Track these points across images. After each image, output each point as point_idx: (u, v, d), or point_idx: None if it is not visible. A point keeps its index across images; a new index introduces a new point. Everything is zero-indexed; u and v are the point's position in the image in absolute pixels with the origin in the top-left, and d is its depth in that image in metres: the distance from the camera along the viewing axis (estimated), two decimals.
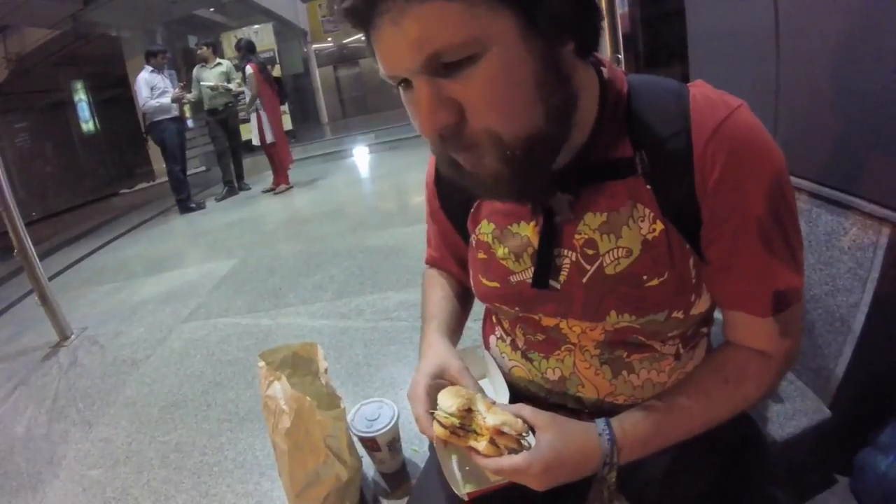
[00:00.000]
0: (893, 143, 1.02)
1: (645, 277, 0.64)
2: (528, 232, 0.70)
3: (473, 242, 0.78)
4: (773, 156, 0.60)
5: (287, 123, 10.17)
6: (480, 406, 0.65)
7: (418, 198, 5.01)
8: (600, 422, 0.64)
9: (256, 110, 5.88)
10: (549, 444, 0.61)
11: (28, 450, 1.91)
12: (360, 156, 8.38)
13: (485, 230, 0.75)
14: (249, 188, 6.66)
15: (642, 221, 0.63)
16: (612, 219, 0.64)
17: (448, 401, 0.65)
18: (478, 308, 0.92)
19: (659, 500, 0.73)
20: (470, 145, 0.55)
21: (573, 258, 0.67)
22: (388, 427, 1.38)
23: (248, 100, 5.86)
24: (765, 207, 0.59)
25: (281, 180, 6.26)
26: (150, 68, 5.62)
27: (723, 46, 1.51)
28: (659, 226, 0.62)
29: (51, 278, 3.09)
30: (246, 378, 2.12)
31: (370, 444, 1.39)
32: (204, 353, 2.42)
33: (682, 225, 0.62)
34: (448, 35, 0.49)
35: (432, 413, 0.67)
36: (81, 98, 8.11)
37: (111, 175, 7.80)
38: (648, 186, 0.62)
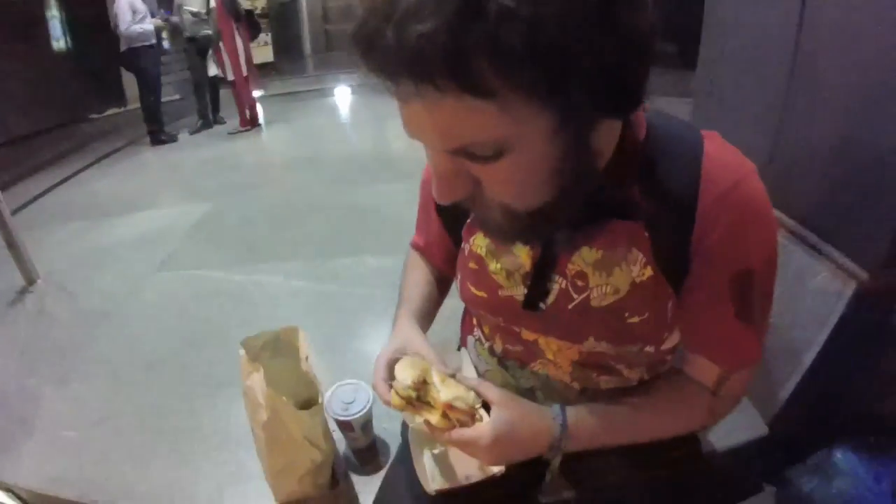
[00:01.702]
0: (877, 210, 1.07)
1: (627, 314, 0.67)
2: (522, 253, 0.72)
3: (466, 251, 0.80)
4: (770, 229, 0.63)
5: (268, 55, 9.76)
6: (435, 378, 0.68)
7: (399, 153, 4.92)
8: (556, 407, 0.68)
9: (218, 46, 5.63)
10: (503, 418, 0.65)
11: None
12: (342, 96, 8.12)
13: (479, 242, 0.77)
14: (225, 122, 6.40)
15: (634, 265, 0.65)
16: (607, 257, 0.66)
17: (403, 373, 0.68)
18: (458, 306, 0.94)
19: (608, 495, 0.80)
20: (482, 206, 0.57)
21: (563, 285, 0.69)
22: (363, 411, 1.44)
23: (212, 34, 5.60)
24: (752, 274, 0.63)
25: (241, 121, 6.05)
26: None
27: (738, 55, 1.50)
28: (649, 271, 0.65)
29: (14, 212, 2.97)
30: (221, 339, 2.14)
31: (345, 425, 1.46)
32: (178, 308, 2.42)
33: (670, 272, 0.65)
34: (479, 133, 0.48)
35: (390, 385, 0.71)
36: (54, 14, 7.54)
37: (81, 98, 7.36)
38: (647, 233, 0.64)
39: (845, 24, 1.09)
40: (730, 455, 1.34)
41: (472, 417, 0.66)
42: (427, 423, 0.66)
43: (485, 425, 0.64)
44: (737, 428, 1.38)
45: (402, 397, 0.67)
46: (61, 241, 3.40)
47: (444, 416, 0.65)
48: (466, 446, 0.65)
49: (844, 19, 1.09)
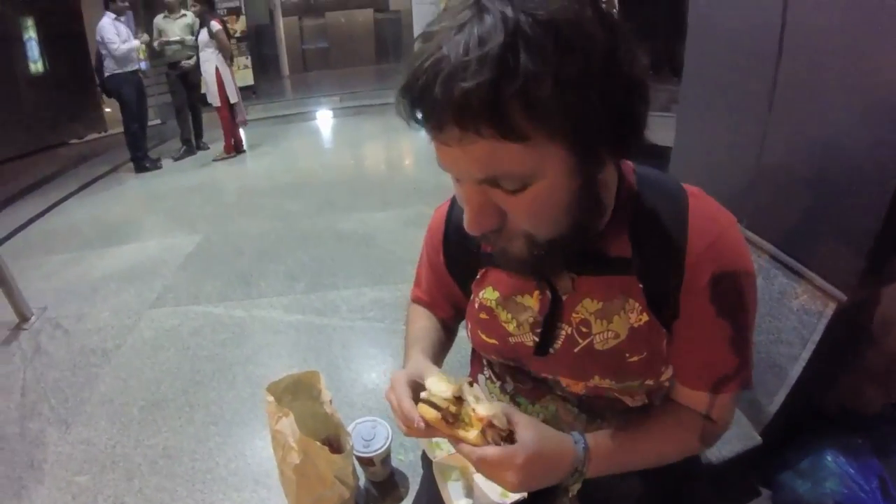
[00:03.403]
0: (851, 236, 1.17)
1: (627, 355, 0.75)
2: (531, 303, 0.79)
3: (476, 303, 0.86)
4: (749, 273, 0.71)
5: (248, 78, 9.75)
6: (469, 396, 0.68)
7: (385, 177, 5.00)
8: (575, 433, 0.73)
9: (217, 68, 5.62)
10: (532, 440, 0.66)
11: (4, 451, 1.86)
12: (323, 119, 8.18)
13: (489, 296, 0.84)
14: (208, 148, 6.37)
15: (631, 312, 0.73)
16: (607, 307, 0.74)
17: (440, 385, 0.68)
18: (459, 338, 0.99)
19: None
20: (506, 238, 0.64)
21: (568, 331, 0.77)
22: (383, 447, 1.51)
23: (219, 55, 5.59)
24: (735, 314, 0.71)
25: (226, 147, 6.03)
26: (113, 15, 5.26)
27: (719, 79, 1.58)
28: (644, 317, 0.73)
29: None
30: (226, 378, 2.15)
31: (366, 461, 1.52)
32: (178, 345, 2.42)
33: (662, 316, 0.73)
34: (509, 168, 0.55)
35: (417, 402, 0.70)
36: (31, 36, 7.39)
37: (60, 122, 7.21)
38: (641, 285, 0.72)
39: (822, 55, 1.18)
40: (727, 465, 1.42)
41: (503, 439, 0.67)
42: (461, 440, 0.66)
43: (516, 446, 0.65)
44: (732, 439, 1.46)
45: (439, 408, 0.66)
46: (48, 273, 3.35)
47: (482, 432, 0.65)
48: (497, 466, 0.65)
49: (821, 49, 1.18)
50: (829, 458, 1.32)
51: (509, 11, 0.49)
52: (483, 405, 0.67)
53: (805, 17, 1.22)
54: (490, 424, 0.65)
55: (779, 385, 1.40)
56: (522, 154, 0.53)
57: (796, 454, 1.41)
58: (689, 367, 0.77)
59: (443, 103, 0.50)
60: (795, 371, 1.35)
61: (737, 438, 1.47)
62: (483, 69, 0.48)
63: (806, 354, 1.32)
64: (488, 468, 0.66)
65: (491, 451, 0.65)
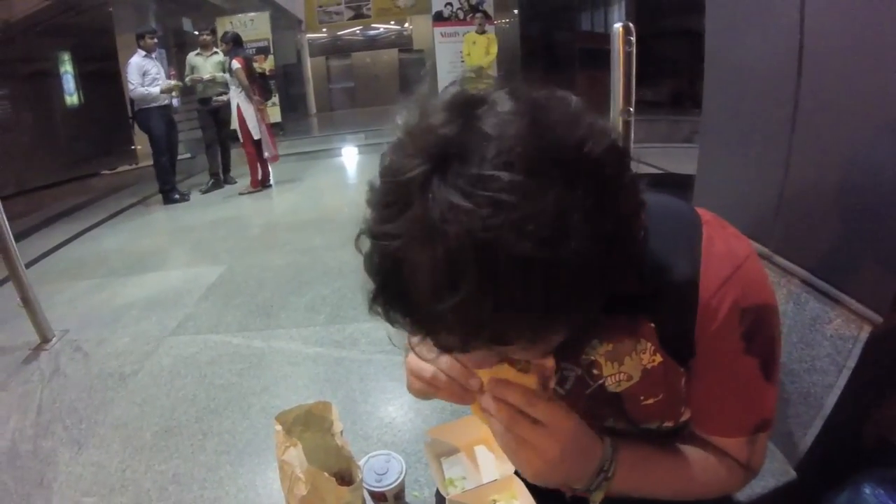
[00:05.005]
0: (885, 254, 1.12)
1: (642, 398, 0.70)
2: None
3: None
4: (769, 307, 0.66)
5: (276, 115, 10.04)
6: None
7: None
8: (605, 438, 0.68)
9: (238, 105, 5.80)
10: (575, 424, 0.62)
11: (15, 468, 1.87)
12: (348, 156, 8.36)
13: None
14: (235, 182, 6.56)
15: (643, 353, 0.68)
16: (617, 349, 0.69)
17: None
18: None
19: None
20: None
21: (578, 373, 0.73)
22: (396, 482, 1.46)
23: (241, 93, 5.79)
24: (760, 352, 0.66)
25: (252, 181, 6.18)
26: (143, 52, 5.49)
27: (739, 105, 1.57)
28: (658, 358, 0.68)
29: (27, 265, 2.96)
30: (241, 407, 2.12)
31: (378, 496, 1.46)
32: (195, 373, 2.41)
33: (677, 356, 0.68)
34: (506, 356, 0.59)
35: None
36: (67, 70, 7.76)
37: (92, 153, 7.49)
38: (652, 325, 0.66)
39: (843, 72, 1.15)
40: (761, 502, 1.33)
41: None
42: (517, 388, 0.61)
43: (567, 410, 0.62)
44: (765, 475, 1.37)
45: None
46: (73, 298, 3.42)
47: (542, 385, 0.62)
48: (539, 434, 0.60)
49: (842, 66, 1.15)
50: (867, 492, 1.22)
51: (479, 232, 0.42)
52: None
53: (824, 35, 1.20)
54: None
55: (814, 416, 1.32)
56: (513, 349, 0.54)
57: (833, 489, 1.29)
58: (717, 415, 0.71)
59: (422, 333, 0.52)
60: (831, 400, 1.27)
61: (770, 474, 1.38)
62: (458, 316, 0.45)
63: (841, 382, 1.25)
64: (530, 432, 0.60)
65: (544, 405, 0.60)
